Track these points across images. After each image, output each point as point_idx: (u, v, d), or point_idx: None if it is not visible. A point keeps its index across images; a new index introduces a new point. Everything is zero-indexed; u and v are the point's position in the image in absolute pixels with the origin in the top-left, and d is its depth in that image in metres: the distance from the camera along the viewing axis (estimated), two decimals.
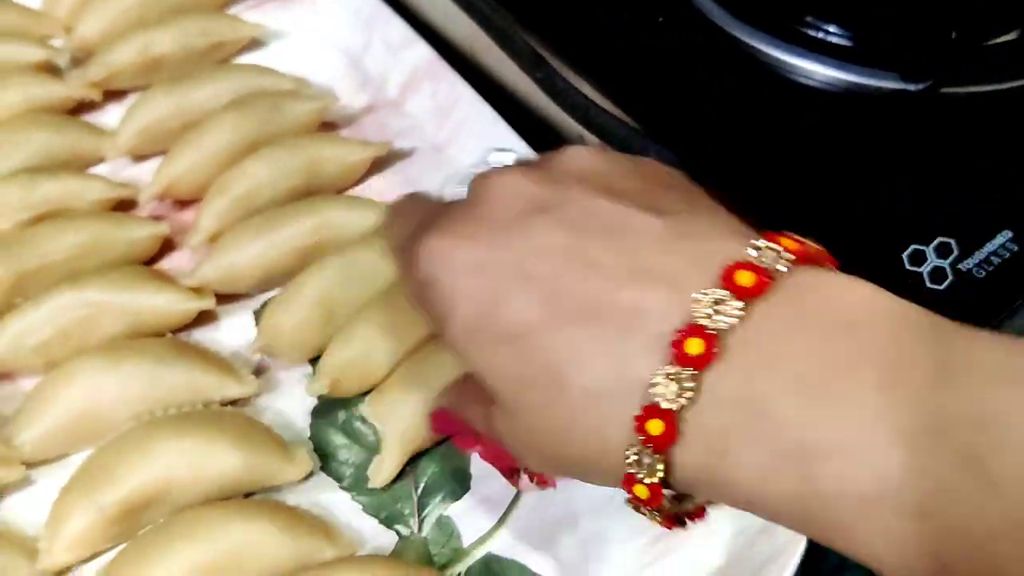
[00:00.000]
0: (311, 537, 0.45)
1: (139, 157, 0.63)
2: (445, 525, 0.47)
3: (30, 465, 0.49)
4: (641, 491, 0.32)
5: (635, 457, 0.31)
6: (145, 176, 0.61)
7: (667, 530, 0.35)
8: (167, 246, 0.59)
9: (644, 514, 0.34)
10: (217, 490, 0.47)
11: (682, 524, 0.35)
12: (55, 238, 0.54)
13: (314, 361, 0.53)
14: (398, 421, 0.48)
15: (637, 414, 0.31)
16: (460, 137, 0.62)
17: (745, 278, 0.31)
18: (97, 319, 0.52)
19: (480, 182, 0.37)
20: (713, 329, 0.30)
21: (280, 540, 0.44)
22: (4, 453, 0.48)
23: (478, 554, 0.46)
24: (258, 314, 0.56)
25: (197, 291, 0.54)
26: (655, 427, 0.30)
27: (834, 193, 0.48)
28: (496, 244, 0.35)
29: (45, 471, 0.49)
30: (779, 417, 0.29)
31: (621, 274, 0.33)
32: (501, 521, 0.47)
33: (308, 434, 0.51)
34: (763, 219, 0.48)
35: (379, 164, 0.62)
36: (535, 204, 0.35)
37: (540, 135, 0.60)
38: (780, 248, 0.32)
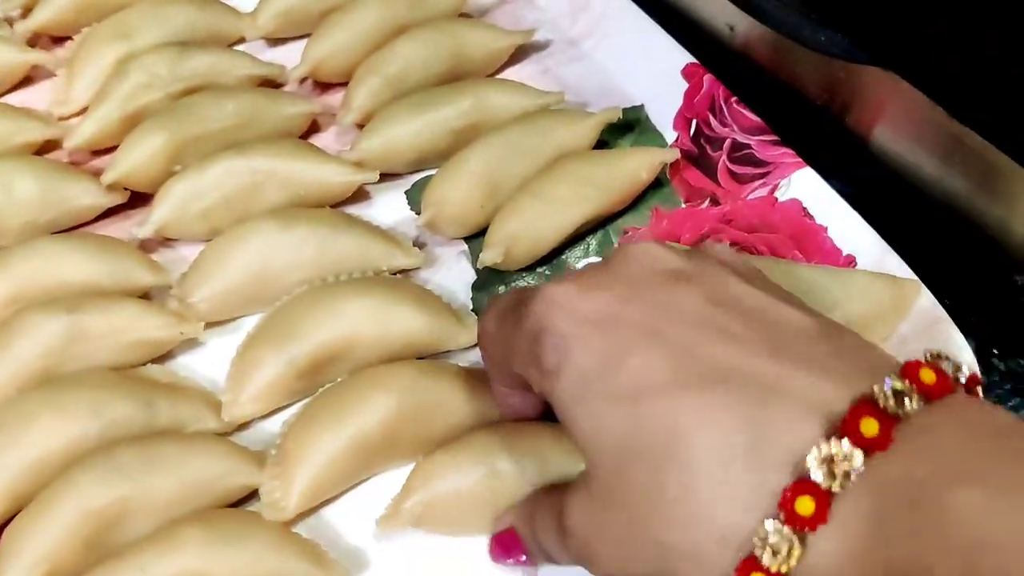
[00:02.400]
0: (490, 400, 0.46)
1: (275, 40, 0.63)
2: None
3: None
4: None
5: (771, 537, 0.28)
6: (281, 59, 0.61)
7: None
8: (311, 128, 0.59)
9: None
10: (398, 350, 0.47)
11: None
12: (214, 107, 0.54)
13: (469, 239, 0.54)
14: None
15: (785, 486, 0.28)
16: (598, 30, 0.62)
17: (928, 375, 0.29)
18: (261, 187, 0.52)
19: (621, 248, 0.36)
20: (892, 413, 0.28)
21: (465, 399, 0.45)
22: (182, 310, 0.48)
23: None
24: (409, 194, 0.56)
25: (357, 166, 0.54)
26: (804, 506, 0.28)
27: None
28: (629, 298, 0.33)
29: (215, 332, 0.50)
30: (953, 508, 0.26)
31: (762, 349, 0.31)
32: None
33: (470, 307, 0.52)
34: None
35: (517, 55, 0.62)
36: (676, 272, 0.34)
37: (682, 28, 0.60)
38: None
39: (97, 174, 0.54)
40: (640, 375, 0.31)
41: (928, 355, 0.30)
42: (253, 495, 0.44)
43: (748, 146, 0.55)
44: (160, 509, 0.41)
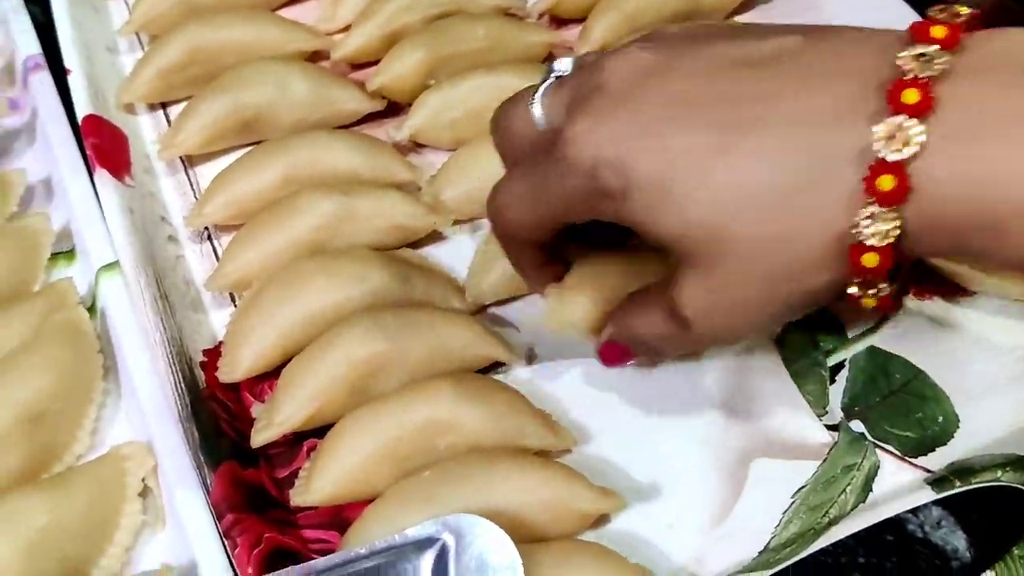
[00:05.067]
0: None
1: None
2: (828, 317, 0.51)
3: None
4: (870, 259, 0.33)
5: (866, 220, 0.33)
6: None
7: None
8: (546, 59, 0.63)
9: (863, 296, 0.35)
10: None
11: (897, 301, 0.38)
12: (467, 30, 0.59)
13: None
14: None
15: (864, 175, 0.32)
16: None
17: (939, 31, 0.32)
18: None
19: (598, 63, 0.38)
20: (924, 77, 0.32)
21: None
22: (435, 205, 0.54)
23: (861, 345, 0.50)
24: None
25: None
26: (886, 183, 0.32)
27: None
28: (644, 103, 0.36)
29: (456, 230, 0.55)
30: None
31: (789, 77, 0.34)
32: (882, 321, 0.51)
33: None
34: None
35: (744, 5, 0.65)
36: (655, 67, 0.36)
37: None
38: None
39: (357, 84, 0.60)
40: (704, 140, 0.34)
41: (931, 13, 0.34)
42: (488, 370, 0.49)
43: None
44: (412, 367, 0.46)
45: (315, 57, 0.63)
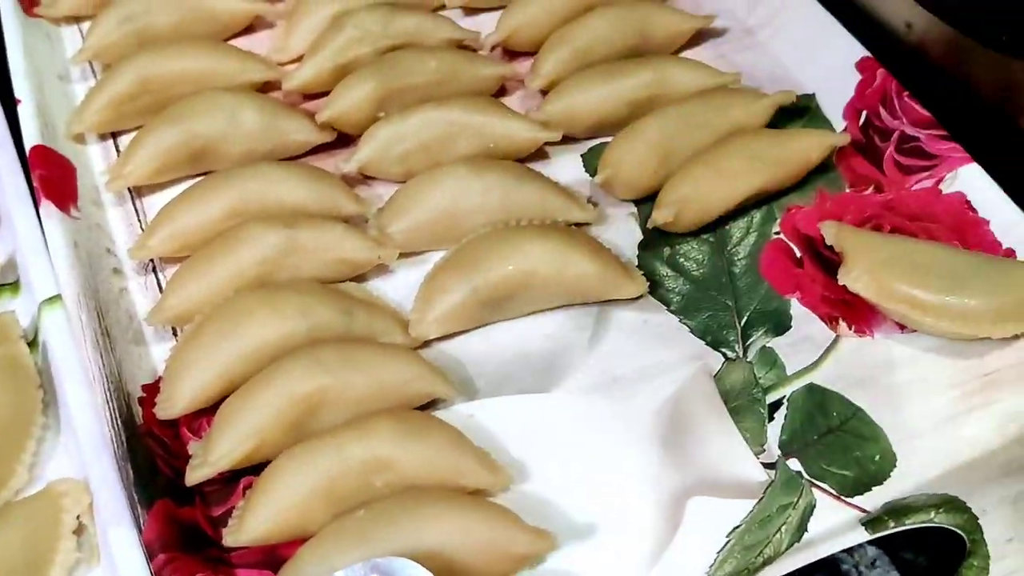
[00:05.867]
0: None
1: (471, 10, 0.68)
2: (768, 354, 0.51)
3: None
4: None
5: None
6: (475, 27, 0.66)
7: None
8: (498, 92, 0.64)
9: None
10: (567, 293, 0.51)
11: None
12: (418, 63, 0.60)
13: (639, 202, 0.58)
14: None
15: None
16: (774, 21, 0.65)
17: None
18: (455, 137, 0.57)
19: None
20: None
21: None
22: (381, 238, 0.54)
23: (800, 382, 0.50)
24: (585, 157, 0.60)
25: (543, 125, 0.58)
26: None
27: None
28: None
29: (403, 263, 0.55)
30: None
31: None
32: (822, 358, 0.51)
33: (636, 264, 0.55)
34: None
35: (695, 39, 0.66)
36: None
37: (857, 23, 0.62)
38: None
39: (308, 116, 0.60)
40: None
41: None
42: (429, 405, 0.49)
43: (917, 139, 0.57)
44: (353, 403, 0.46)
45: (267, 87, 0.63)
